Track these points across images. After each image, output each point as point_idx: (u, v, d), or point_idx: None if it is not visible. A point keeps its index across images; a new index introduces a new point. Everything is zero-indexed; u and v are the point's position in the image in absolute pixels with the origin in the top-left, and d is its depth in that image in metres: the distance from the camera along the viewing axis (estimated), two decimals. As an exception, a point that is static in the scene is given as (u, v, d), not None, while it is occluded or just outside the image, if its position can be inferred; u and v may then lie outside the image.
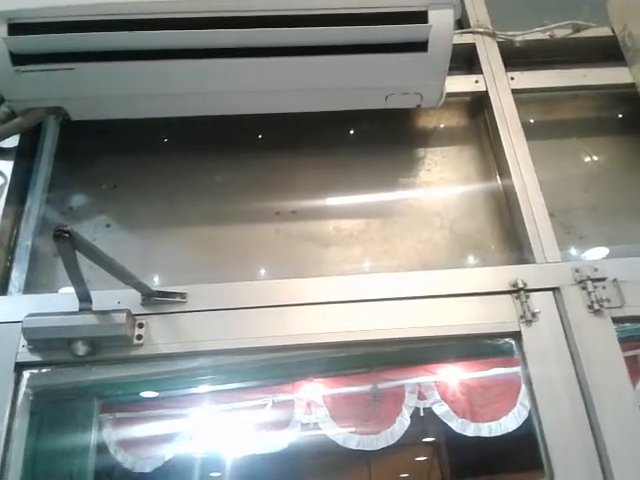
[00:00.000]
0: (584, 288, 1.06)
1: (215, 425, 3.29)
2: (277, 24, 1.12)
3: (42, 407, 1.13)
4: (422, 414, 3.61)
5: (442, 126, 1.43)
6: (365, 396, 3.50)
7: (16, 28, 1.12)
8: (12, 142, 1.27)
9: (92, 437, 2.57)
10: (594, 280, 1.06)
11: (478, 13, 1.47)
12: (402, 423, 3.56)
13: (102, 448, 2.98)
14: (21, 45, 1.13)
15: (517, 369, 1.06)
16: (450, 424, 3.55)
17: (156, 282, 1.21)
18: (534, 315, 1.04)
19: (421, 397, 3.58)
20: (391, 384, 3.53)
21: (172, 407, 3.22)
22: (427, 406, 3.57)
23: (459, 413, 3.53)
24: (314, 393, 3.50)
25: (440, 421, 3.57)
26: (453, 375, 3.45)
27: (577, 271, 1.08)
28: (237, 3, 1.12)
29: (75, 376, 1.20)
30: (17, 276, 1.17)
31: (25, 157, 1.29)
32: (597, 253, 1.25)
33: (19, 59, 1.14)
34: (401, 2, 1.13)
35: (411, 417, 3.55)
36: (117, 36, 1.12)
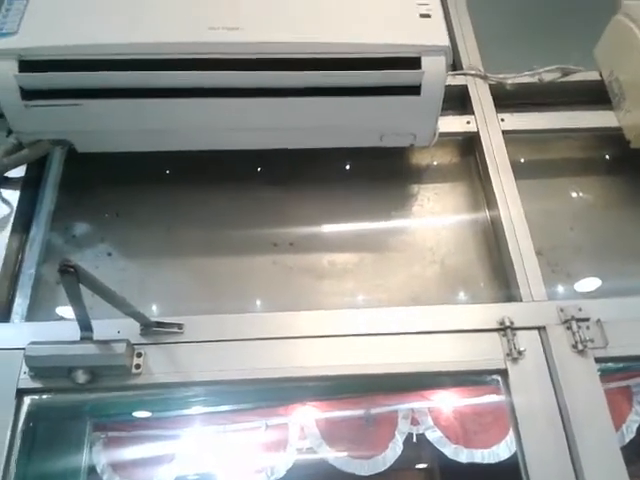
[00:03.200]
0: (569, 328, 1.10)
1: (208, 447, 3.29)
2: (277, 67, 1.17)
3: (35, 423, 1.15)
4: (415, 440, 3.61)
5: (435, 163, 1.48)
6: (358, 420, 3.51)
7: (26, 65, 1.17)
8: (19, 172, 1.31)
9: (84, 457, 2.58)
10: (578, 320, 1.10)
11: (470, 56, 1.52)
12: (395, 449, 3.56)
13: (93, 469, 2.98)
14: (31, 82, 1.17)
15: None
16: (443, 450, 3.56)
17: (154, 311, 1.25)
18: (520, 353, 1.08)
19: (414, 423, 3.59)
20: (384, 409, 3.54)
21: (164, 428, 3.22)
22: (420, 432, 3.58)
23: (452, 439, 3.54)
24: (307, 417, 3.51)
25: (433, 447, 3.57)
26: (446, 401, 3.46)
27: (562, 310, 1.12)
28: (239, 47, 1.17)
29: (72, 398, 1.23)
30: (20, 303, 1.20)
31: (31, 186, 1.33)
32: (582, 292, 1.29)
33: (28, 94, 1.19)
34: (396, 49, 1.18)
35: (404, 443, 3.55)
36: (122, 75, 1.16)
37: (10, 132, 1.28)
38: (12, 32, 1.18)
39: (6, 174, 1.30)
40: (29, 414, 1.07)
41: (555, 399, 1.05)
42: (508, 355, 1.08)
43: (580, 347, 1.08)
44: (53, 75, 1.16)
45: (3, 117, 1.23)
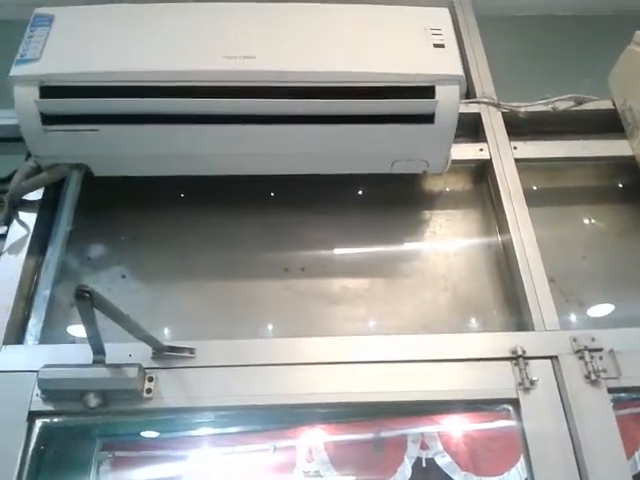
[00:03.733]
0: (581, 358, 1.09)
1: (215, 469, 3.27)
2: (292, 95, 1.19)
3: (44, 442, 1.16)
4: (424, 464, 3.57)
5: (447, 190, 1.49)
6: (367, 444, 3.48)
7: (47, 91, 1.20)
8: (36, 195, 1.33)
9: (91, 476, 2.58)
10: (591, 350, 1.09)
11: (484, 84, 1.54)
12: (404, 473, 3.52)
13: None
14: (51, 107, 1.20)
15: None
16: (452, 476, 3.51)
17: (166, 334, 1.26)
18: (532, 383, 1.07)
19: (424, 447, 3.55)
20: (394, 433, 3.51)
21: (172, 448, 3.20)
22: (430, 456, 3.54)
23: (462, 465, 3.50)
24: (316, 440, 3.48)
25: (442, 472, 3.53)
26: (457, 426, 3.42)
27: (575, 340, 1.11)
28: (255, 75, 1.19)
29: (83, 421, 1.23)
30: (34, 324, 1.21)
31: (48, 209, 1.35)
32: (595, 321, 1.28)
33: (48, 119, 1.21)
34: (410, 78, 1.20)
35: (413, 467, 3.51)
36: (138, 102, 1.19)
37: (29, 155, 1.31)
38: (34, 59, 1.21)
39: (24, 196, 1.32)
40: (40, 436, 1.08)
41: (567, 430, 1.04)
42: (520, 385, 1.08)
43: (593, 377, 1.07)
44: (73, 101, 1.19)
45: (22, 141, 1.25)
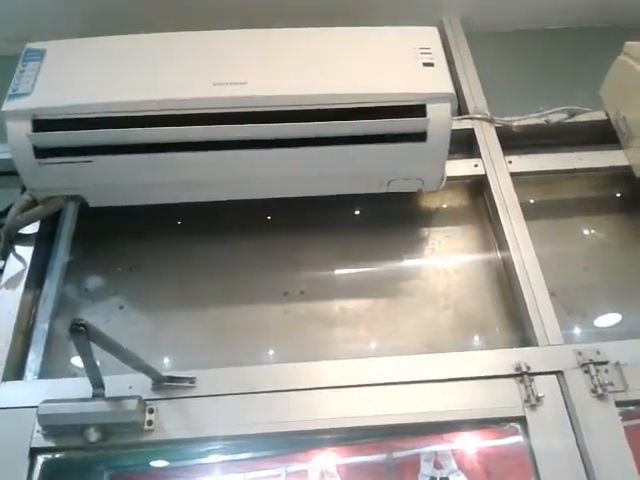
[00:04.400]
0: (587, 372, 1.07)
1: (226, 497, 3.22)
2: (283, 119, 1.19)
3: (51, 476, 1.14)
4: (439, 484, 3.52)
5: (444, 206, 1.48)
6: (379, 465, 3.43)
7: (39, 124, 1.20)
8: (32, 228, 1.33)
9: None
10: (596, 364, 1.08)
11: (476, 100, 1.54)
12: (418, 494, 3.46)
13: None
14: (44, 141, 1.20)
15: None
16: (467, 495, 3.45)
17: (166, 364, 1.24)
18: (538, 399, 1.05)
19: (437, 466, 3.49)
20: (406, 453, 3.46)
21: (183, 477, 3.16)
22: (444, 476, 3.48)
23: (476, 484, 3.44)
24: (328, 463, 3.44)
25: (457, 491, 3.47)
26: (470, 444, 3.38)
27: (580, 354, 1.10)
28: (245, 101, 1.19)
29: (85, 455, 1.22)
30: (33, 359, 1.21)
31: (44, 242, 1.35)
32: (599, 334, 1.26)
33: (41, 153, 1.21)
34: (401, 98, 1.20)
35: (427, 487, 3.46)
36: (130, 132, 1.19)
37: (24, 189, 1.31)
38: (26, 93, 1.22)
39: (20, 230, 1.32)
40: (42, 472, 1.06)
41: (576, 446, 1.02)
42: (526, 402, 1.06)
43: (600, 391, 1.05)
44: (65, 134, 1.19)
45: (17, 174, 1.26)
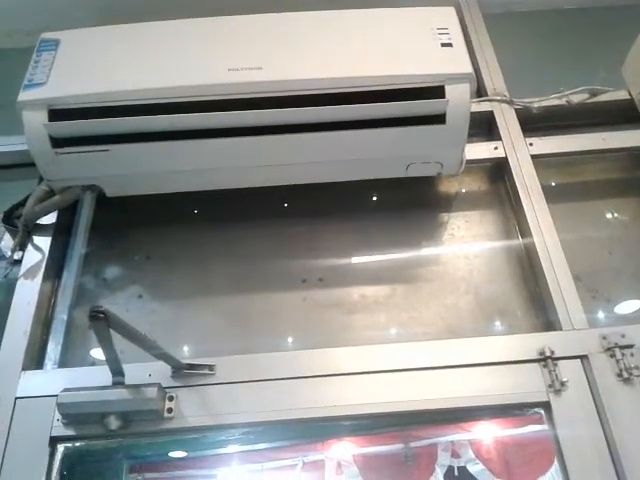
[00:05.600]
0: (612, 356, 1.05)
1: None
2: (301, 104, 1.18)
3: (72, 467, 1.15)
4: (456, 473, 3.51)
5: (464, 191, 1.46)
6: (397, 455, 3.43)
7: (55, 114, 1.20)
8: (50, 218, 1.33)
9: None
10: (622, 347, 1.05)
11: (495, 81, 1.51)
12: (436, 484, 3.45)
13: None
14: (60, 130, 1.20)
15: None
16: (486, 484, 3.44)
17: (186, 352, 1.24)
18: (563, 384, 1.03)
19: (455, 455, 3.48)
20: (423, 442, 3.45)
21: (201, 467, 3.19)
22: (461, 464, 3.48)
23: (495, 472, 3.43)
24: (344, 452, 3.44)
25: (476, 480, 3.46)
26: (487, 432, 3.36)
27: (605, 338, 1.07)
28: (261, 86, 1.18)
29: (106, 444, 1.22)
30: (53, 349, 1.20)
31: (62, 232, 1.35)
32: (624, 318, 1.24)
33: (58, 142, 1.21)
34: (419, 79, 1.18)
35: (445, 476, 3.45)
36: (146, 120, 1.18)
37: (41, 180, 1.31)
38: (42, 83, 1.22)
39: (38, 221, 1.32)
40: (63, 461, 1.07)
41: (602, 431, 1.00)
42: (550, 387, 1.04)
43: (625, 375, 1.03)
44: (81, 122, 1.19)
45: (34, 166, 1.25)
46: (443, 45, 1.22)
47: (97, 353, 1.23)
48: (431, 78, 1.18)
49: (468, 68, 1.20)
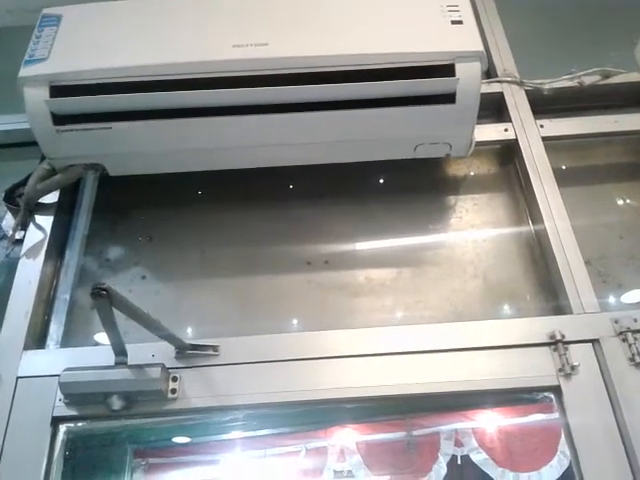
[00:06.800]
0: (624, 340, 1.03)
1: (248, 472, 3.25)
2: (307, 81, 1.15)
3: (75, 452, 1.14)
4: (459, 462, 3.51)
5: (472, 174, 1.44)
6: (399, 443, 3.43)
7: (57, 90, 1.18)
8: (52, 198, 1.31)
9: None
10: (634, 332, 1.03)
11: (505, 62, 1.48)
12: (439, 472, 3.46)
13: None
14: (62, 107, 1.18)
15: (557, 416, 1.03)
16: (489, 472, 3.44)
17: (189, 333, 1.22)
18: (573, 368, 1.02)
19: (458, 444, 3.48)
20: (426, 430, 3.45)
21: (204, 453, 3.20)
22: (464, 453, 3.48)
23: (498, 461, 3.43)
24: (347, 439, 3.45)
25: (478, 469, 3.46)
26: (491, 421, 3.35)
27: (616, 322, 1.05)
28: (267, 63, 1.15)
29: (108, 425, 1.21)
30: (55, 329, 1.19)
31: (64, 212, 1.33)
32: (636, 302, 1.22)
33: (60, 119, 1.19)
34: (429, 57, 1.15)
35: (448, 465, 3.45)
36: (149, 97, 1.16)
37: (43, 158, 1.29)
38: (43, 58, 1.19)
39: (40, 200, 1.30)
40: (66, 442, 1.05)
41: (613, 416, 0.99)
42: (560, 371, 1.02)
43: (637, 360, 1.01)
44: (83, 99, 1.17)
45: (36, 145, 1.23)
46: (453, 22, 1.19)
47: (100, 337, 1.21)
48: (441, 56, 1.16)
49: (479, 46, 1.17)
